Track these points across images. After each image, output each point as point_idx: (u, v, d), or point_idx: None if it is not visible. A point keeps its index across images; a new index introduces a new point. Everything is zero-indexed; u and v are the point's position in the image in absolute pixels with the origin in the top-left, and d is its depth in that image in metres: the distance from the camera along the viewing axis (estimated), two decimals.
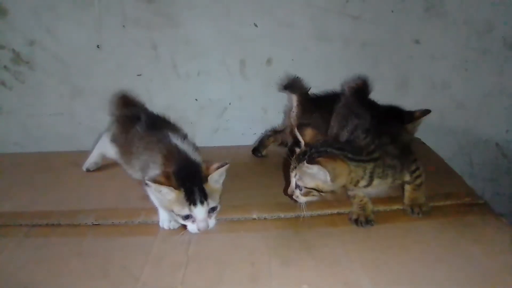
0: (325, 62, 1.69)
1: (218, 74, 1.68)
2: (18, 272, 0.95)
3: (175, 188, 1.00)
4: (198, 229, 1.02)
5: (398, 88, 1.74)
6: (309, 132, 1.05)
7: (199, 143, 1.71)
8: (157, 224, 1.11)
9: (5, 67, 1.63)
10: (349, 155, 0.99)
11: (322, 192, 0.99)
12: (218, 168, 1.04)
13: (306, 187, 1.00)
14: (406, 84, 1.75)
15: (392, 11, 1.64)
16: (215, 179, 1.05)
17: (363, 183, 1.02)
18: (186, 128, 1.74)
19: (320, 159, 0.95)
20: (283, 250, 1.00)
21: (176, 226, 1.09)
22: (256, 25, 1.62)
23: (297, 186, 1.02)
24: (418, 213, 1.10)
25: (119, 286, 0.90)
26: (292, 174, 1.02)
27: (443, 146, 1.65)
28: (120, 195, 1.26)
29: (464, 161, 1.87)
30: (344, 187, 1.02)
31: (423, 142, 1.57)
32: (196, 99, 1.72)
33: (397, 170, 1.04)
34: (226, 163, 1.04)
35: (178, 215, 1.02)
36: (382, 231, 1.06)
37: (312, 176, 0.98)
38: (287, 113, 1.60)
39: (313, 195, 1.01)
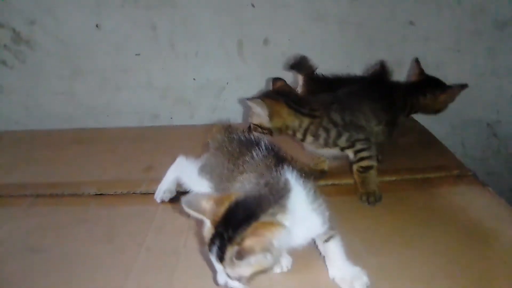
0: (321, 42, 1.72)
1: (216, 54, 1.71)
2: (26, 238, 0.99)
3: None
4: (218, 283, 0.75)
5: (392, 69, 1.78)
6: (280, 83, 1.16)
7: (197, 122, 1.75)
8: None
9: (5, 46, 1.65)
10: (291, 104, 1.09)
11: (264, 129, 1.09)
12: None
13: (252, 123, 1.12)
14: (400, 65, 1.77)
15: None
16: None
17: (299, 135, 1.11)
18: (184, 108, 1.79)
19: (262, 97, 1.08)
20: None
21: (167, 198, 1.11)
22: (253, 6, 1.65)
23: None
24: (366, 201, 1.09)
25: (124, 250, 0.94)
26: None
27: (436, 126, 1.69)
28: (121, 167, 1.30)
29: (456, 141, 1.91)
30: (281, 130, 1.10)
31: (416, 120, 1.61)
32: (194, 79, 1.75)
33: (330, 137, 1.09)
34: None
35: None
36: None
37: (257, 115, 1.08)
38: None
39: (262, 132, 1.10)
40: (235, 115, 1.79)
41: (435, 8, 1.70)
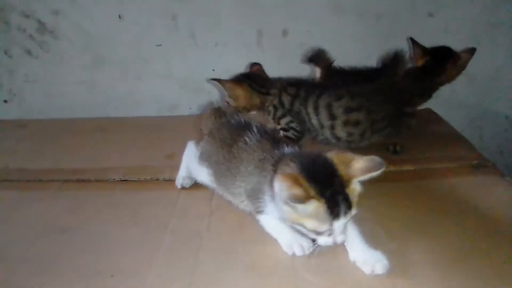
0: (339, 34, 1.72)
1: (235, 45, 1.73)
2: (55, 220, 1.03)
3: (317, 199, 0.76)
4: (334, 243, 0.81)
5: (411, 61, 1.78)
6: (256, 67, 1.36)
7: None
8: None
9: (30, 36, 1.69)
10: (254, 85, 1.28)
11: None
12: (369, 172, 0.79)
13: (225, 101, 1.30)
14: None
15: None
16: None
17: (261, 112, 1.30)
18: (203, 98, 1.81)
19: (225, 81, 1.28)
20: None
21: (189, 184, 1.13)
22: None
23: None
24: None
25: (149, 232, 0.97)
26: None
27: (454, 119, 1.68)
28: (144, 154, 1.33)
29: (475, 133, 1.90)
30: (248, 109, 1.29)
31: (435, 112, 1.61)
32: (213, 69, 1.77)
33: (276, 114, 1.28)
34: (381, 164, 0.79)
35: (312, 230, 0.80)
36: (395, 189, 1.11)
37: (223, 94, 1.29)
38: None
39: None
40: None
41: (454, 0, 1.69)
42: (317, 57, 1.45)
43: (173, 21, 1.69)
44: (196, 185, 1.13)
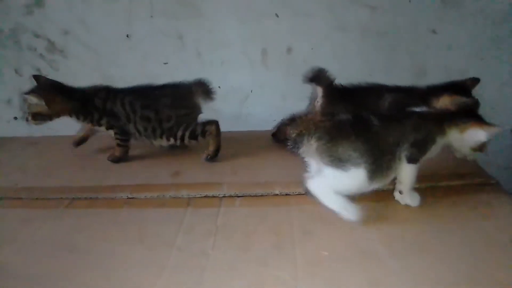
0: (343, 51, 1.75)
1: (241, 63, 1.76)
2: (62, 238, 1.04)
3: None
4: None
5: (415, 78, 1.79)
6: (42, 78, 1.44)
7: (222, 129, 1.79)
8: (186, 198, 1.19)
9: (41, 55, 1.74)
10: (65, 93, 1.42)
11: (44, 115, 1.39)
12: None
13: (31, 112, 1.38)
14: (424, 73, 1.80)
15: (410, 1, 1.69)
16: None
17: (74, 116, 1.45)
18: (209, 115, 1.83)
19: (37, 91, 1.36)
20: (304, 222, 1.07)
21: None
22: (277, 15, 1.70)
23: None
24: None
25: (155, 250, 0.98)
26: None
27: None
28: (151, 172, 1.35)
29: None
30: (59, 114, 1.42)
31: None
32: (219, 87, 1.79)
33: (94, 118, 1.44)
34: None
35: None
36: (398, 207, 1.12)
37: (35, 105, 1.36)
38: (311, 100, 1.66)
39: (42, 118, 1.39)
40: (259, 122, 1.83)
41: (458, 17, 1.71)
42: (318, 77, 1.46)
43: (180, 40, 1.73)
44: (202, 202, 1.15)
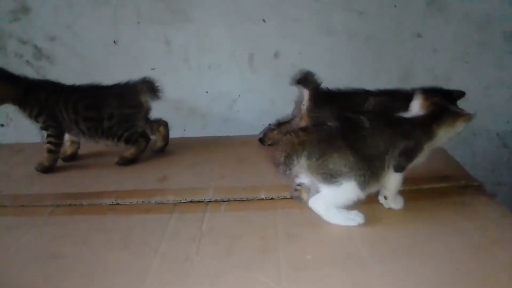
0: (330, 55, 1.76)
1: (228, 67, 1.77)
2: (47, 244, 1.04)
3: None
4: None
5: (401, 80, 1.81)
6: None
7: (210, 133, 1.80)
8: (172, 203, 1.19)
9: (27, 62, 1.73)
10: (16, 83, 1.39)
11: None
12: None
13: None
14: (409, 76, 1.81)
15: (395, 6, 1.71)
16: None
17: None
18: (197, 119, 1.84)
19: None
20: (289, 226, 1.07)
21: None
22: (264, 20, 1.70)
23: None
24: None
25: (139, 257, 0.98)
26: None
27: None
28: (137, 178, 1.35)
29: (466, 151, 1.93)
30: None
31: None
32: (207, 92, 1.81)
33: (33, 111, 1.41)
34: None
35: None
36: (382, 210, 1.13)
37: None
38: (297, 104, 1.67)
39: None
40: (247, 127, 1.83)
41: (443, 21, 1.73)
42: (305, 80, 1.48)
43: (167, 45, 1.73)
44: (188, 208, 1.15)
